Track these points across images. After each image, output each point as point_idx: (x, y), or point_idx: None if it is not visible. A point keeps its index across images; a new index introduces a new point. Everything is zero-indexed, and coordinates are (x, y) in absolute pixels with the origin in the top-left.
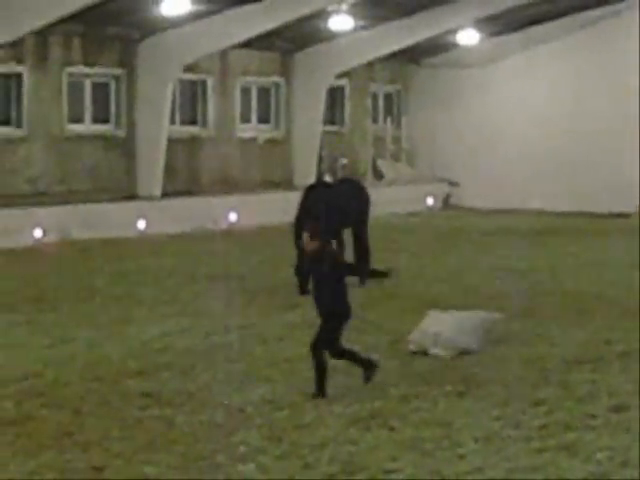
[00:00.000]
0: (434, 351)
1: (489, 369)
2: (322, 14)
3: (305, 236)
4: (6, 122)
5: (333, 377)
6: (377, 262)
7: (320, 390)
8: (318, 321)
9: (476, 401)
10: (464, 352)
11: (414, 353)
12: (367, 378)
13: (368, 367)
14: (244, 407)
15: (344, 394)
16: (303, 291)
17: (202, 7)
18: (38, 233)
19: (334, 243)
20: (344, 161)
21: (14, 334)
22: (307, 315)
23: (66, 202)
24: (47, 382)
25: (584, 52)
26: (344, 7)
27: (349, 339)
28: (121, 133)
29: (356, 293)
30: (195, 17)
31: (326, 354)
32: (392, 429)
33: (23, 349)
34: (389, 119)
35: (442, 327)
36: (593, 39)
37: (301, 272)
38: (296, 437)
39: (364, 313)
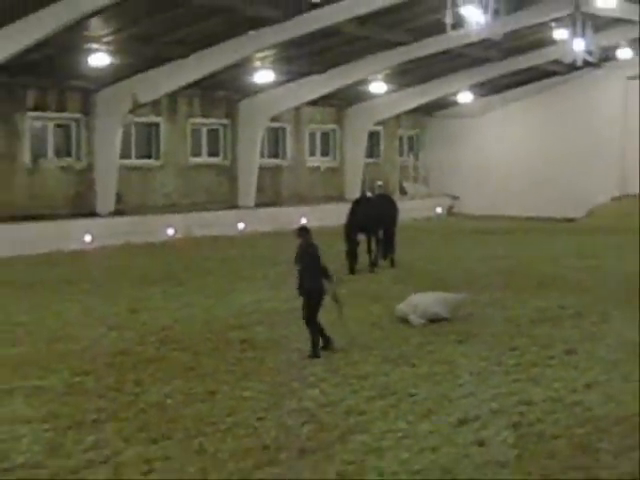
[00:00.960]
0: (412, 317)
1: (479, 325)
2: (364, 81)
3: (297, 235)
4: (148, 156)
5: (372, 331)
6: (402, 250)
7: (314, 354)
8: (359, 291)
9: (470, 347)
10: (434, 319)
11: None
12: (314, 355)
13: (327, 343)
14: (305, 350)
15: (379, 342)
16: (352, 271)
17: (282, 77)
18: (170, 232)
19: (373, 239)
20: (380, 182)
21: (154, 301)
22: (352, 288)
23: (189, 210)
24: (176, 333)
25: (544, 107)
26: (379, 76)
27: (381, 304)
28: (227, 163)
29: (387, 273)
30: (277, 84)
31: (319, 325)
32: (413, 366)
33: (160, 311)
34: (411, 154)
35: (420, 301)
36: (549, 98)
37: (350, 257)
38: (347, 371)
39: (393, 287)
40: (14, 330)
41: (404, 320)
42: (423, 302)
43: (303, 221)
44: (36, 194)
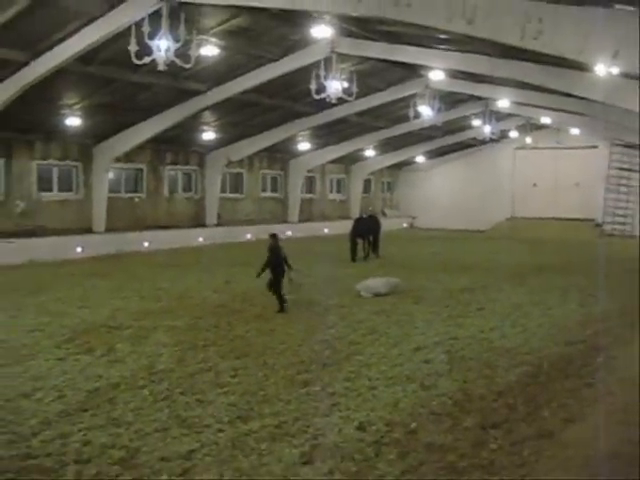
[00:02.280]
0: (362, 292)
1: (427, 293)
2: (361, 149)
3: (270, 237)
4: (236, 191)
5: (370, 299)
6: (383, 248)
7: (282, 307)
8: (356, 272)
9: (421, 305)
10: (377, 295)
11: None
12: (280, 310)
13: (283, 304)
14: (328, 307)
15: (368, 302)
16: (353, 260)
17: (314, 146)
18: (248, 236)
19: (366, 241)
20: (370, 208)
21: (239, 275)
22: (356, 269)
23: (259, 224)
24: (252, 295)
25: (466, 164)
26: (371, 146)
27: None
28: (281, 196)
29: (375, 261)
30: (311, 150)
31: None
32: (389, 316)
33: (243, 282)
34: (388, 191)
35: (370, 283)
36: (469, 159)
37: (352, 252)
38: (349, 318)
39: (377, 269)
40: (157, 292)
41: (359, 294)
42: (371, 283)
43: (325, 230)
44: (171, 213)
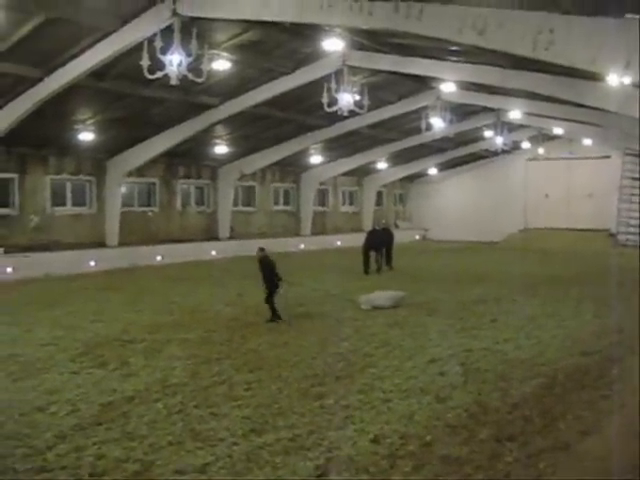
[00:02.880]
0: (363, 305)
1: (440, 305)
2: (374, 162)
3: (258, 251)
4: (249, 205)
5: (377, 308)
6: (396, 261)
7: (273, 319)
8: (370, 285)
9: (435, 317)
10: (378, 308)
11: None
12: (271, 320)
13: (275, 317)
14: (341, 319)
15: (383, 315)
16: (366, 272)
17: (326, 159)
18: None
19: (379, 254)
20: (383, 220)
21: (251, 288)
22: (369, 281)
23: (272, 237)
24: (264, 309)
25: (478, 176)
26: (383, 159)
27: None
28: (294, 209)
29: (388, 274)
30: (323, 163)
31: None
32: (402, 328)
33: (256, 295)
34: (401, 204)
35: (372, 296)
36: (482, 171)
37: (365, 264)
38: (363, 331)
39: (390, 281)
40: (170, 306)
41: (359, 306)
42: (374, 297)
43: (338, 242)
44: (184, 227)
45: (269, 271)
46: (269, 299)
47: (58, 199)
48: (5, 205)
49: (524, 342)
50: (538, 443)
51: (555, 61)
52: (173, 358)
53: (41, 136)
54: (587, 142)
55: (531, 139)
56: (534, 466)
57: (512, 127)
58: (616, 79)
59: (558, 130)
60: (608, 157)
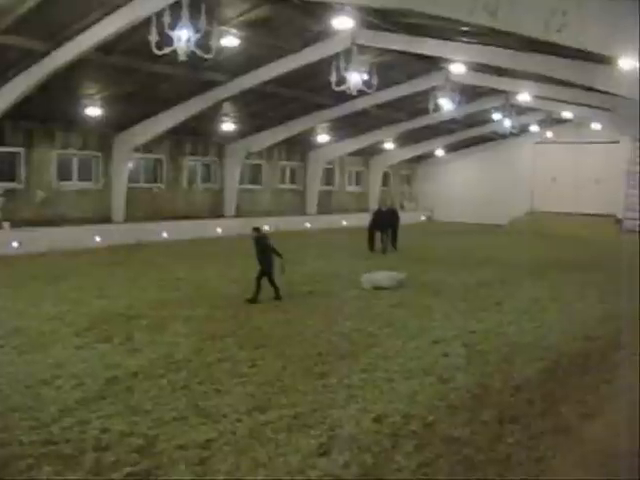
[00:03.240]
0: (366, 285)
1: (445, 286)
2: (380, 142)
3: (253, 231)
4: (255, 183)
5: (382, 288)
6: (401, 241)
7: (254, 299)
8: (375, 264)
9: (439, 299)
10: (381, 288)
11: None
12: (276, 298)
13: (278, 294)
14: (346, 298)
15: (388, 296)
16: (371, 250)
17: (333, 139)
18: (266, 228)
19: (385, 234)
20: (389, 201)
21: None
22: (374, 261)
23: (278, 215)
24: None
25: (485, 159)
26: (390, 139)
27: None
28: (300, 188)
29: (393, 254)
30: (330, 143)
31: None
32: (407, 309)
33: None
34: (407, 185)
35: (373, 276)
36: (489, 153)
37: (370, 244)
38: (367, 311)
39: (395, 261)
40: (176, 282)
41: (360, 285)
42: (375, 276)
43: (344, 222)
44: (190, 204)
45: (265, 250)
46: (267, 278)
47: (64, 174)
48: (11, 179)
49: (528, 325)
50: (540, 425)
51: (567, 43)
52: (178, 334)
53: (48, 110)
54: (596, 126)
55: (540, 122)
56: (535, 448)
57: (521, 110)
58: (628, 63)
59: (567, 114)
60: (617, 142)
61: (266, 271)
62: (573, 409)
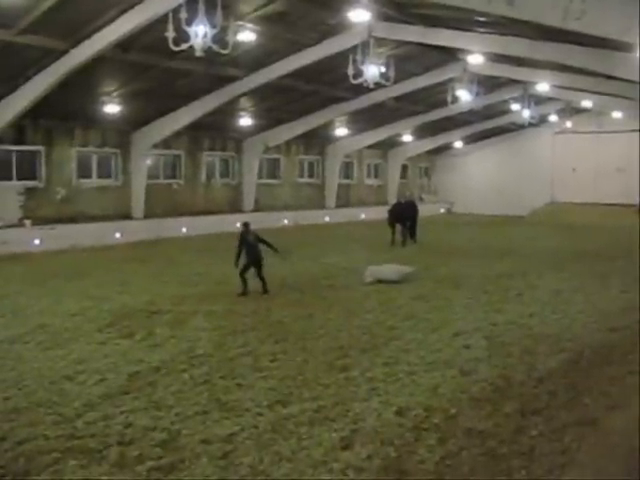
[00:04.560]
0: (368, 280)
1: (465, 278)
2: (398, 134)
3: (242, 226)
4: (274, 177)
5: (405, 284)
6: (420, 234)
7: (244, 292)
8: (395, 257)
9: (460, 290)
10: (384, 282)
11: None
12: (264, 292)
13: (265, 289)
14: (366, 292)
15: (408, 288)
16: (392, 243)
17: (351, 132)
18: (285, 221)
19: (404, 227)
20: (408, 193)
21: (276, 262)
22: (393, 254)
23: (296, 209)
24: (289, 281)
25: (504, 149)
26: (408, 131)
27: (410, 264)
28: (319, 182)
29: (412, 246)
30: (348, 136)
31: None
32: (427, 301)
33: (280, 268)
34: (426, 177)
35: (375, 270)
36: (508, 144)
37: (392, 235)
38: (388, 304)
39: (414, 253)
40: (196, 277)
41: (362, 280)
42: (380, 269)
43: (362, 215)
44: (209, 199)
45: (254, 243)
46: (255, 272)
47: (84, 171)
48: (32, 178)
49: (550, 316)
50: (563, 417)
51: (586, 31)
52: (199, 329)
53: (67, 108)
54: (617, 115)
55: (559, 112)
56: (559, 440)
57: (540, 100)
58: None
59: (587, 103)
60: (638, 131)
61: (253, 266)
62: (598, 401)
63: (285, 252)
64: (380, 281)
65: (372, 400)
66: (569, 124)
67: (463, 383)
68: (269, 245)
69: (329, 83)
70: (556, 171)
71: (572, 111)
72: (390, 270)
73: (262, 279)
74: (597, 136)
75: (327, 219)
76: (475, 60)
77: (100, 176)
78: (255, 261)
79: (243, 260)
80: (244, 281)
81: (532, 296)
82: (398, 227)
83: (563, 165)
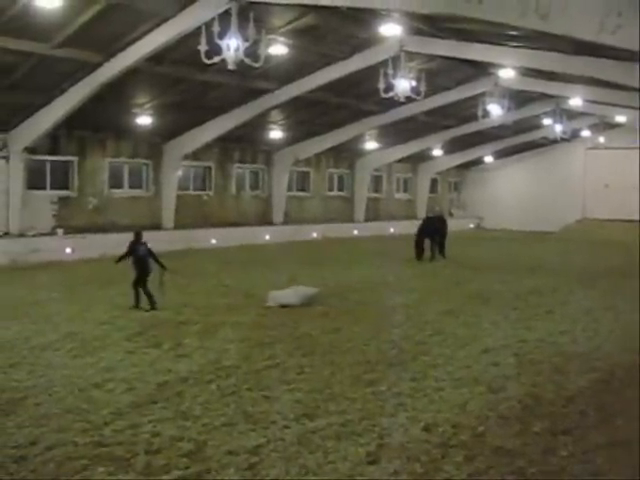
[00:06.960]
0: (270, 303)
1: (494, 294)
2: (429, 148)
3: (134, 235)
4: (303, 190)
5: (432, 295)
6: (449, 249)
7: (136, 306)
8: (423, 272)
9: (489, 307)
10: (285, 306)
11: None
12: (152, 308)
13: (152, 304)
14: (395, 306)
15: (436, 303)
16: (418, 259)
17: (381, 145)
18: (314, 235)
19: (433, 242)
20: (437, 208)
21: (304, 273)
22: (421, 269)
23: (326, 222)
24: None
25: (536, 165)
26: (438, 145)
27: (438, 279)
28: (348, 195)
29: (441, 262)
30: (378, 149)
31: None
32: (456, 317)
33: (308, 279)
34: (456, 192)
35: (280, 293)
36: (539, 159)
37: (418, 252)
38: (416, 319)
39: (443, 269)
40: (224, 289)
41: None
42: (281, 294)
43: (391, 229)
44: (239, 211)
45: (138, 255)
46: (136, 283)
47: (116, 181)
48: (65, 187)
49: (580, 335)
50: (594, 438)
51: (622, 45)
52: (226, 340)
53: (100, 120)
54: None
55: (591, 127)
56: (590, 461)
57: (572, 115)
58: None
59: (621, 118)
60: None
61: (139, 276)
62: (629, 422)
63: (172, 271)
64: (283, 306)
65: (399, 415)
66: (602, 139)
67: (491, 400)
68: (157, 261)
69: (359, 97)
70: (588, 187)
71: (605, 126)
72: (293, 293)
73: (147, 294)
74: (630, 152)
75: (356, 232)
76: (506, 74)
77: (131, 186)
78: (142, 274)
79: (133, 273)
80: (136, 294)
81: (562, 313)
82: (427, 242)
83: (595, 181)
